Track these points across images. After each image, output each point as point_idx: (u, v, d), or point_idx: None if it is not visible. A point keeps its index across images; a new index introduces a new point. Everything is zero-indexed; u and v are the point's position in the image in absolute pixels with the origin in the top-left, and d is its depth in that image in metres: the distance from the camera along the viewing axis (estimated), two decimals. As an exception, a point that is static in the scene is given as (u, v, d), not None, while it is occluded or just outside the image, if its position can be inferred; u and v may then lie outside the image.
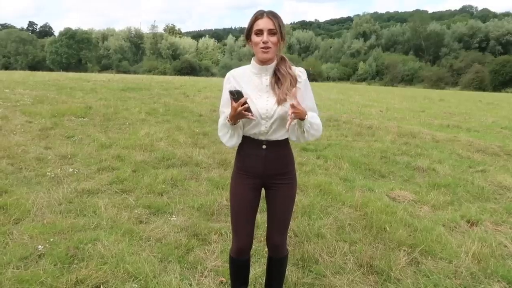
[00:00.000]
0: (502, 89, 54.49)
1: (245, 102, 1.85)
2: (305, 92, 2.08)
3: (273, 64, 2.04)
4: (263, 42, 1.94)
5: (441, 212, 4.27)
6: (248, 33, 2.02)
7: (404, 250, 3.25)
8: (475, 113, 16.15)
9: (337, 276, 2.86)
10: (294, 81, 2.02)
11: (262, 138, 2.06)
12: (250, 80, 2.06)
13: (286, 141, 2.13)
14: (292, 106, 1.88)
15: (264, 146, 2.06)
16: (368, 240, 3.45)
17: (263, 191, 2.23)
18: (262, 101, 2.01)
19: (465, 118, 13.78)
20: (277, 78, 2.02)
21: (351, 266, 2.99)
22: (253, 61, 2.08)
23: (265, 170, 2.09)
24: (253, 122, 2.01)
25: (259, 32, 1.95)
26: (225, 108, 2.05)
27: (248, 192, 2.13)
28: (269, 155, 2.07)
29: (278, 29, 1.94)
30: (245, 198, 2.14)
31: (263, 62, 2.02)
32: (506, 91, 52.44)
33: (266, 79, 2.04)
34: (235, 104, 1.86)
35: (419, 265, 3.07)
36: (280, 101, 1.97)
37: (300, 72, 2.07)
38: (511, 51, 68.34)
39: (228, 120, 1.96)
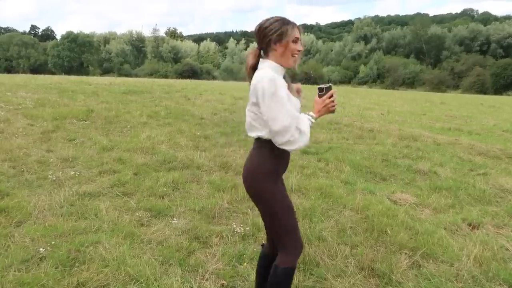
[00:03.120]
0: (503, 92, 54.50)
1: (332, 95, 2.02)
2: None
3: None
4: (299, 51, 2.04)
5: (442, 215, 4.26)
6: (281, 37, 1.99)
7: (406, 253, 3.24)
8: (477, 116, 16.14)
9: (338, 279, 2.85)
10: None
11: None
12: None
13: None
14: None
15: None
16: (369, 243, 3.44)
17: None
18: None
19: (466, 121, 13.77)
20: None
21: (352, 269, 2.99)
22: (275, 64, 2.04)
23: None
24: None
25: (297, 40, 2.03)
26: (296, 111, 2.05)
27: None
28: (289, 154, 2.16)
29: None
30: (289, 200, 2.15)
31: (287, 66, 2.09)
32: (508, 94, 52.47)
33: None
34: (322, 98, 2.03)
35: (421, 268, 3.06)
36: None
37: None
38: (512, 54, 68.34)
39: (315, 118, 2.06)
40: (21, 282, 2.56)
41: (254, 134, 2.08)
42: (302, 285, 2.76)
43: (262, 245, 2.42)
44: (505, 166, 6.65)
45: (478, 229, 3.89)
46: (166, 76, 63.25)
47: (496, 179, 5.64)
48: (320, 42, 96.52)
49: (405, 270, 3.00)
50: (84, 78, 28.30)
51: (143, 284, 2.64)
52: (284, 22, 2.02)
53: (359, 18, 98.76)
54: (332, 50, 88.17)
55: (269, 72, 1.96)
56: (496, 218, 4.20)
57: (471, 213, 4.28)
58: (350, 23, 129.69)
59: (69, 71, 67.59)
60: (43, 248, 3.02)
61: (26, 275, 2.66)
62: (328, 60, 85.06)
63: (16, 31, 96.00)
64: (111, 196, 4.35)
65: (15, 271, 2.70)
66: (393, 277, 2.88)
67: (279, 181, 2.11)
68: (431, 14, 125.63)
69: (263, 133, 2.02)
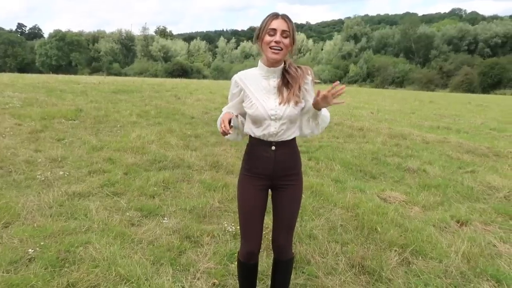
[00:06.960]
0: (490, 91, 55.27)
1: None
2: (311, 89, 2.11)
3: (281, 67, 2.04)
4: (276, 42, 1.93)
5: (431, 213, 4.31)
6: (259, 32, 1.99)
7: (395, 250, 3.28)
8: (465, 114, 16.35)
9: (329, 277, 2.87)
10: (303, 82, 2.04)
11: (272, 139, 2.06)
12: (258, 82, 2.06)
13: (293, 141, 2.14)
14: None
15: (273, 147, 2.07)
16: (359, 241, 3.47)
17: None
18: (271, 102, 2.01)
19: (454, 120, 13.95)
20: (286, 80, 2.03)
21: (343, 266, 3.01)
22: (260, 63, 2.07)
23: (274, 171, 2.08)
24: (263, 124, 2.03)
25: (273, 32, 1.94)
26: (228, 109, 2.18)
27: (257, 194, 2.12)
28: (278, 156, 2.07)
29: (291, 32, 1.95)
30: (254, 200, 2.12)
31: (271, 64, 2.01)
32: (495, 93, 53.23)
33: (274, 81, 2.04)
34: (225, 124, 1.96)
35: (410, 265, 3.10)
36: (289, 102, 2.00)
37: (310, 71, 2.09)
38: (499, 53, 69.30)
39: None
40: (9, 284, 2.52)
41: None
42: (293, 283, 2.77)
43: None
44: (492, 164, 6.75)
45: (466, 226, 3.95)
46: (156, 75, 62.97)
47: (484, 177, 5.72)
48: (310, 41, 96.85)
49: (395, 267, 3.03)
50: (72, 77, 28.04)
51: (134, 284, 2.62)
52: (266, 17, 1.99)
53: (349, 17, 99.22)
54: (322, 49, 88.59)
55: (247, 69, 2.11)
56: (484, 215, 4.27)
57: (459, 211, 4.34)
58: (340, 22, 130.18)
59: (57, 70, 66.93)
60: (32, 249, 2.99)
61: (15, 276, 2.62)
62: (319, 59, 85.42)
63: (2, 29, 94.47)
64: (101, 196, 4.32)
65: (3, 272, 2.67)
66: (383, 274, 2.91)
67: (247, 180, 2.13)
68: (420, 14, 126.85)
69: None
